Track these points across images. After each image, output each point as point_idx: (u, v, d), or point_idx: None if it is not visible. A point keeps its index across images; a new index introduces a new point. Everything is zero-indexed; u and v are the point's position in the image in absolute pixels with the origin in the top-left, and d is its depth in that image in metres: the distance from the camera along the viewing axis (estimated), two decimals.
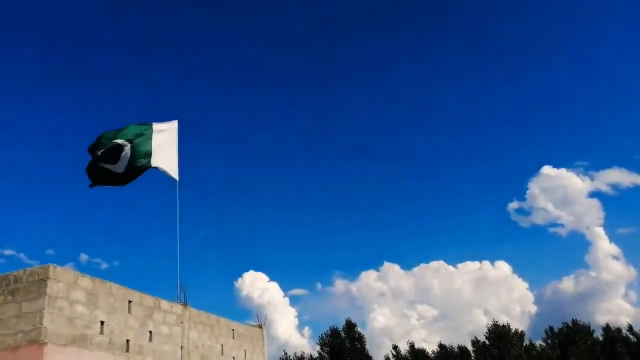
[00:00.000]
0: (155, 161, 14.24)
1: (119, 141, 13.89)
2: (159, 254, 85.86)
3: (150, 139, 14.37)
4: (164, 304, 12.46)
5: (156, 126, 14.75)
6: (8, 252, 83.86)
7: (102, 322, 10.27)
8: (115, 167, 13.85)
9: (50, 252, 77.23)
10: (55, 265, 9.53)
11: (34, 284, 9.28)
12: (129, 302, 11.20)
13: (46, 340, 8.84)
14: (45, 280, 9.23)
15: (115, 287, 10.91)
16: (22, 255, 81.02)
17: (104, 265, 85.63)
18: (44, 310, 9.01)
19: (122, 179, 14.02)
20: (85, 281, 10.14)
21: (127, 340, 10.85)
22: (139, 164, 14.06)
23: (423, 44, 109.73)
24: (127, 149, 13.92)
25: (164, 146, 14.64)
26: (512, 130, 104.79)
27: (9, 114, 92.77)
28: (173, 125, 15.28)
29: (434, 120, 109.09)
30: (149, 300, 11.93)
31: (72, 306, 9.64)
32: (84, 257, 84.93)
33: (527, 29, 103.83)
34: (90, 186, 13.97)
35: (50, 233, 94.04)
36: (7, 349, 8.99)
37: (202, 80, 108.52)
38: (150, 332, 11.66)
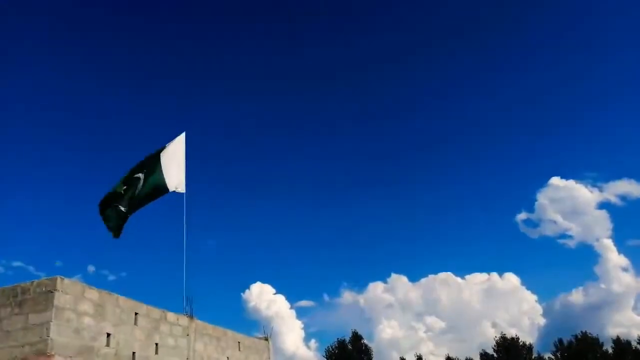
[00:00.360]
0: (169, 185, 14.30)
1: (139, 175, 13.87)
2: (165, 266, 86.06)
3: (160, 163, 14.34)
4: (170, 316, 12.47)
5: (165, 151, 14.75)
6: (16, 263, 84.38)
7: (108, 334, 10.28)
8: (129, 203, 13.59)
9: (58, 263, 77.56)
10: (63, 277, 9.57)
11: (41, 296, 9.32)
12: (136, 314, 11.22)
13: (53, 352, 8.85)
14: (52, 292, 9.26)
15: (122, 299, 10.94)
16: (30, 267, 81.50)
17: (111, 277, 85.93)
18: (51, 322, 9.03)
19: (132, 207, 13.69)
20: (92, 293, 10.18)
21: (134, 353, 10.85)
22: (154, 195, 14.05)
23: (427, 52, 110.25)
24: (142, 179, 13.90)
25: (172, 162, 14.68)
26: (521, 141, 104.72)
27: (18, 125, 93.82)
28: (180, 138, 15.37)
29: (441, 132, 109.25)
30: (155, 312, 11.94)
31: (79, 318, 9.67)
32: (91, 268, 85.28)
33: (535, 40, 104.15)
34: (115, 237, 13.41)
35: (58, 245, 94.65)
36: None
37: (209, 89, 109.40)
38: (157, 344, 11.66)
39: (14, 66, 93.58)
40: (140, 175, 13.88)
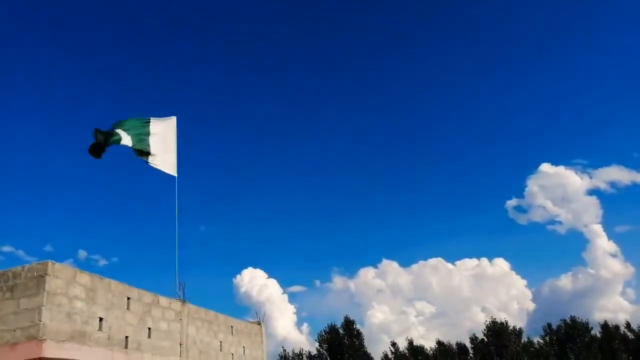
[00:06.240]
0: (153, 161, 14.18)
1: (119, 131, 13.78)
2: (157, 251, 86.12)
3: (148, 135, 14.29)
4: (163, 300, 12.45)
5: (154, 122, 14.67)
6: (6, 248, 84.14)
7: (100, 319, 10.25)
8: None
9: (48, 248, 77.48)
10: (54, 261, 9.50)
11: (32, 281, 9.25)
12: (128, 298, 11.19)
13: (45, 337, 8.82)
14: (43, 277, 9.19)
15: (113, 284, 10.89)
16: (20, 252, 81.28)
17: (103, 262, 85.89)
18: (43, 307, 8.98)
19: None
20: (84, 277, 10.12)
21: (126, 337, 10.84)
22: (138, 155, 14.03)
23: (419, 43, 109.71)
24: (128, 137, 13.83)
25: (162, 144, 14.58)
26: (511, 128, 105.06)
27: (8, 111, 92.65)
28: (172, 121, 15.26)
29: (433, 119, 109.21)
30: (147, 296, 11.92)
31: (71, 302, 9.62)
32: (82, 253, 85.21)
33: (526, 27, 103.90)
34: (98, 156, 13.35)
35: (49, 230, 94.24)
36: (5, 346, 8.97)
37: (201, 74, 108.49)
38: (149, 328, 11.65)
39: (12, 65, 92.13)
40: (125, 134, 13.79)
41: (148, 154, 14.09)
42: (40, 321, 8.89)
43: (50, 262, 9.40)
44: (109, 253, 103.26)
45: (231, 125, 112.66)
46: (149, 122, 14.56)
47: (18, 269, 9.52)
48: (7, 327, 9.11)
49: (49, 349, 8.80)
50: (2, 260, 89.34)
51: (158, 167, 14.27)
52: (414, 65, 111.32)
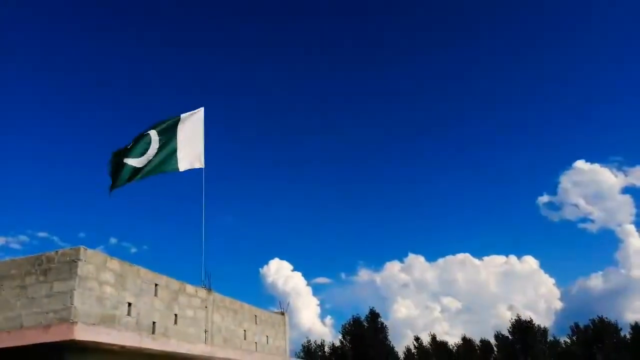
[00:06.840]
0: (181, 164, 14.38)
1: (150, 132, 14.01)
2: (186, 240, 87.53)
3: (176, 135, 14.45)
4: (189, 288, 12.72)
5: (183, 118, 14.87)
6: (42, 234, 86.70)
7: (129, 304, 10.53)
8: (139, 160, 13.64)
9: (81, 235, 79.44)
10: (86, 247, 9.77)
11: (65, 265, 9.53)
12: (156, 285, 11.46)
13: (76, 320, 9.09)
14: (76, 262, 9.47)
15: (142, 271, 11.17)
16: (55, 238, 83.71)
17: (133, 250, 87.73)
18: (75, 291, 9.26)
19: (141, 172, 13.67)
20: (114, 264, 10.40)
21: (154, 322, 11.12)
22: (165, 169, 14.16)
23: (460, 34, 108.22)
24: (156, 140, 13.99)
25: (190, 137, 14.78)
26: (547, 123, 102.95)
27: (39, 94, 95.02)
28: (199, 113, 15.47)
29: (463, 110, 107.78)
30: (174, 284, 12.19)
31: (101, 287, 9.90)
32: (113, 240, 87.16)
33: (561, 21, 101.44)
34: (111, 190, 13.34)
35: (82, 217, 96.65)
36: (39, 327, 9.26)
37: (230, 67, 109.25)
38: (176, 314, 11.93)
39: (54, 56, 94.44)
40: (155, 135, 13.97)
41: (174, 160, 14.28)
42: (72, 304, 9.16)
43: (82, 248, 9.67)
44: (139, 241, 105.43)
45: (258, 113, 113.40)
46: (178, 120, 14.69)
47: (52, 253, 9.79)
48: (41, 309, 9.41)
49: (80, 332, 9.05)
50: (37, 245, 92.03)
51: (186, 168, 14.56)
52: (447, 53, 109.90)
